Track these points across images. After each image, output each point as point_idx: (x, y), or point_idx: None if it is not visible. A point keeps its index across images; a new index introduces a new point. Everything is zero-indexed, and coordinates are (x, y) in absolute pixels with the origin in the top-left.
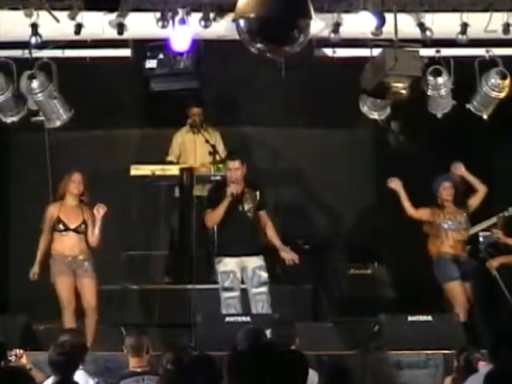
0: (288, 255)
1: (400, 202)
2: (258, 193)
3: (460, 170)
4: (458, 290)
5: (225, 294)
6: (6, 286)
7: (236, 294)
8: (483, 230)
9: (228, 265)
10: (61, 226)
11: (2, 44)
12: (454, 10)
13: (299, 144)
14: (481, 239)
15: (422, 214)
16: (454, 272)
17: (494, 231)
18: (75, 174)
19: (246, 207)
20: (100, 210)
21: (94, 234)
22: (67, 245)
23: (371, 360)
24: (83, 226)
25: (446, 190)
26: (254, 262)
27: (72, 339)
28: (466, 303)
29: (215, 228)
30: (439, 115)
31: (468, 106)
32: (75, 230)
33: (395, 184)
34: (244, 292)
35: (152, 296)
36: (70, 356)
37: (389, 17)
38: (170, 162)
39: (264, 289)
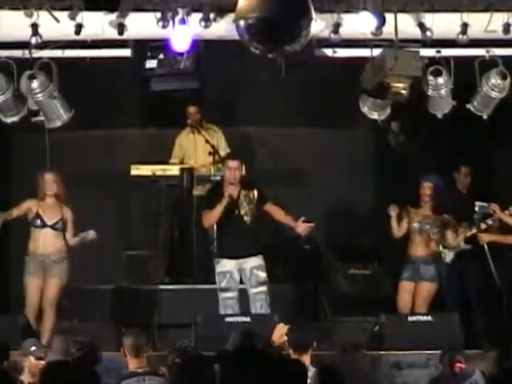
0: (301, 227)
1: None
2: (255, 192)
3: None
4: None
5: (222, 295)
6: (6, 286)
7: (233, 294)
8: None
9: (225, 265)
10: (38, 222)
11: (2, 44)
12: (454, 10)
13: (299, 144)
14: (476, 209)
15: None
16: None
17: (492, 204)
18: (46, 174)
19: (243, 211)
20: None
21: (73, 240)
22: (41, 242)
23: (348, 360)
24: (60, 223)
25: (424, 190)
26: (253, 262)
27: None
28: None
29: (215, 228)
30: (439, 115)
31: (468, 106)
32: (52, 227)
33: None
34: (244, 292)
35: (152, 296)
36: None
37: (389, 17)
38: (172, 164)
39: (263, 288)
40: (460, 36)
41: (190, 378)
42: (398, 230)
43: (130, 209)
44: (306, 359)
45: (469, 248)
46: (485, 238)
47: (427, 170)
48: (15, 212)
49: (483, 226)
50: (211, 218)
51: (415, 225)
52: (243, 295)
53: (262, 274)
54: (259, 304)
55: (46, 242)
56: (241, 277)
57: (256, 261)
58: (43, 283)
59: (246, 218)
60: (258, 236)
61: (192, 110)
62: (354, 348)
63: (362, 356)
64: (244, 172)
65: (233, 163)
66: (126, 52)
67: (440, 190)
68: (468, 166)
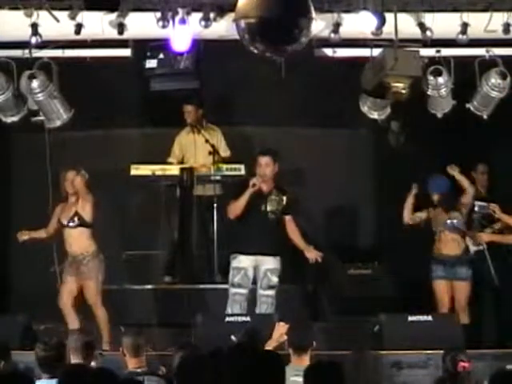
0: (311, 254)
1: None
2: (285, 197)
3: (455, 172)
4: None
5: (233, 290)
6: (6, 286)
7: (244, 291)
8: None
9: (242, 262)
10: (58, 223)
11: (1, 44)
12: (454, 10)
13: (299, 144)
14: (476, 208)
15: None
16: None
17: (492, 204)
18: (66, 172)
19: (269, 208)
20: None
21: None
22: (68, 242)
23: (364, 360)
24: (76, 219)
25: (435, 197)
26: (268, 264)
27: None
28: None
29: (215, 228)
30: (439, 115)
31: (468, 105)
32: (68, 225)
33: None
34: (252, 291)
35: (152, 296)
36: (54, 353)
37: (389, 17)
38: (170, 163)
39: (271, 292)
40: (460, 36)
41: (190, 378)
42: (409, 214)
43: (130, 209)
44: (306, 359)
45: (484, 248)
46: (484, 237)
47: (427, 170)
48: (51, 226)
49: (489, 231)
50: (236, 208)
51: (439, 224)
52: (251, 294)
53: (275, 279)
54: (264, 306)
55: (71, 241)
56: (254, 275)
57: (273, 263)
58: (76, 282)
59: (270, 216)
60: (278, 237)
61: (189, 108)
62: (370, 348)
63: (376, 357)
64: (277, 169)
65: (264, 159)
66: (126, 52)
67: (448, 194)
68: (485, 163)
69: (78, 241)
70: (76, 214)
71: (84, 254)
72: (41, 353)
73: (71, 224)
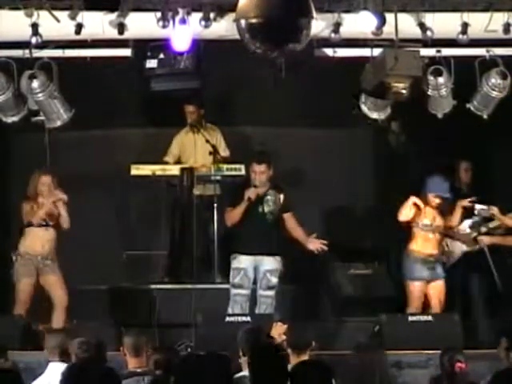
0: (314, 245)
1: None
2: (281, 196)
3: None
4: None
5: (233, 291)
6: (6, 286)
7: (245, 292)
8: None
9: (241, 262)
10: (25, 221)
11: (2, 44)
12: (455, 10)
13: (299, 144)
14: (476, 212)
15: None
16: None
17: (491, 207)
18: (43, 176)
19: (266, 209)
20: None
21: (63, 217)
22: (31, 242)
23: (370, 360)
24: (46, 221)
25: (436, 199)
26: (268, 265)
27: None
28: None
29: (215, 228)
30: (439, 115)
31: (468, 105)
32: (39, 225)
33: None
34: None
35: (152, 296)
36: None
37: (389, 17)
38: (167, 162)
39: (271, 293)
40: (460, 36)
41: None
42: (406, 214)
43: (130, 209)
44: (305, 359)
45: (478, 249)
46: (485, 240)
47: (427, 170)
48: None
49: (483, 230)
50: (233, 217)
51: (425, 222)
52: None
53: (274, 279)
54: (264, 307)
55: (36, 241)
56: (255, 275)
57: (272, 264)
58: (36, 282)
59: (268, 217)
60: (277, 237)
61: (191, 108)
62: (370, 347)
63: (379, 355)
64: (272, 172)
65: (259, 167)
66: (126, 52)
67: (449, 199)
68: (468, 160)
69: (44, 242)
70: (49, 215)
71: (46, 255)
72: (82, 354)
73: (44, 224)
